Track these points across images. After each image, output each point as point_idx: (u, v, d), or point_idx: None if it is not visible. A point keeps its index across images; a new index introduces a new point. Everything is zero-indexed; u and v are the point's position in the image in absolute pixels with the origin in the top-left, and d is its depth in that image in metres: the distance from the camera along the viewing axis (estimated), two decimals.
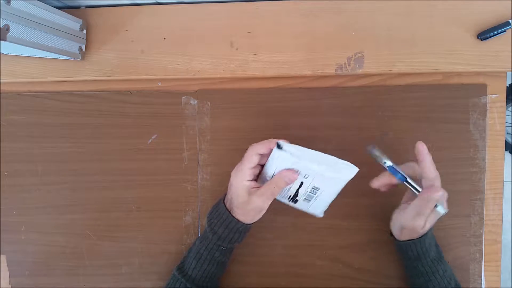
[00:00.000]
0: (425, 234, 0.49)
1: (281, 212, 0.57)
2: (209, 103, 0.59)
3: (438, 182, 0.47)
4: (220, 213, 0.50)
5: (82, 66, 0.59)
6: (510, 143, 1.39)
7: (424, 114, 0.57)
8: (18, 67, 0.59)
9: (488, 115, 0.57)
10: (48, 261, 0.61)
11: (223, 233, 0.50)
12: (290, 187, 0.51)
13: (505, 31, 0.53)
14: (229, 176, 0.53)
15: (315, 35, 0.56)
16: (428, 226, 0.47)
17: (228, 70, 0.57)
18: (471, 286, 0.56)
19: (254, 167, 0.48)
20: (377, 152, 0.48)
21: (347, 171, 0.47)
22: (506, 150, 1.32)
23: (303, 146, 0.47)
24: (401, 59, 0.55)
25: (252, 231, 0.56)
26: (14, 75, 0.60)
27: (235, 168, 0.50)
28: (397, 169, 0.48)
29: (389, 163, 0.47)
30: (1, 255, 0.61)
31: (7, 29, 0.43)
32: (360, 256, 0.57)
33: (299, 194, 0.52)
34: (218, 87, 0.60)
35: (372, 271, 0.57)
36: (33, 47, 0.48)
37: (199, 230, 0.59)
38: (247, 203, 0.48)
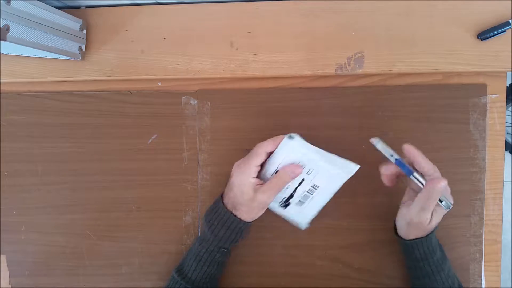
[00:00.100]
0: (432, 232, 0.49)
1: None
2: (209, 103, 0.59)
3: (438, 174, 0.46)
4: (220, 214, 0.50)
5: (82, 66, 0.59)
6: (510, 143, 1.39)
7: (424, 114, 0.57)
8: (18, 67, 0.59)
9: (488, 115, 0.57)
10: (48, 261, 0.61)
11: (225, 234, 0.50)
12: (288, 187, 0.52)
13: (505, 31, 0.53)
14: (228, 175, 0.53)
15: (315, 35, 0.56)
16: (434, 222, 0.47)
17: (228, 70, 0.57)
18: (471, 286, 0.56)
19: (259, 165, 0.49)
20: (383, 145, 0.47)
21: (348, 168, 0.50)
22: (506, 150, 1.32)
23: None
24: (401, 59, 0.55)
25: (252, 231, 0.56)
26: (14, 75, 0.60)
27: (238, 166, 0.50)
28: (404, 162, 0.47)
29: (396, 156, 0.47)
30: (1, 255, 0.61)
31: (7, 29, 0.43)
32: (360, 256, 0.57)
33: (295, 195, 0.52)
34: (218, 87, 0.60)
35: (372, 271, 0.57)
36: (33, 47, 0.48)
37: (199, 230, 0.59)
38: (253, 200, 0.48)
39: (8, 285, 0.61)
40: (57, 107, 0.61)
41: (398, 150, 0.56)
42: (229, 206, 0.50)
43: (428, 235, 0.48)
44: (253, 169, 0.48)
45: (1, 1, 0.42)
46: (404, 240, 0.50)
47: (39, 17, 0.48)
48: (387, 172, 0.48)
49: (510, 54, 0.54)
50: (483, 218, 0.57)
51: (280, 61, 0.57)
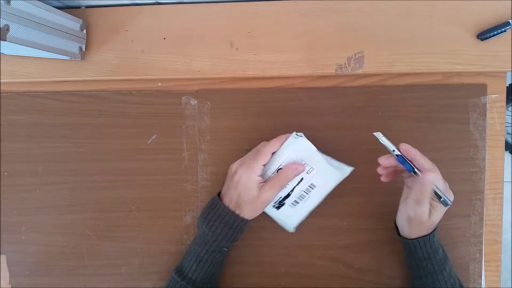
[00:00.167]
0: (434, 231, 0.49)
1: None
2: (209, 103, 0.59)
3: (436, 170, 0.46)
4: (220, 214, 0.50)
5: (82, 66, 0.59)
6: (510, 143, 1.39)
7: (424, 114, 0.57)
8: (18, 67, 0.59)
9: (488, 115, 0.57)
10: (48, 261, 0.61)
11: (227, 233, 0.50)
12: (287, 185, 0.53)
13: (505, 31, 0.53)
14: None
15: (315, 35, 0.56)
16: (435, 218, 0.47)
17: (228, 70, 0.57)
18: (471, 286, 0.56)
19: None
20: (386, 140, 0.47)
21: (343, 169, 0.53)
22: (506, 150, 1.32)
23: None
24: (401, 59, 0.55)
25: (252, 231, 0.56)
26: (14, 75, 0.60)
27: (241, 164, 0.50)
28: (405, 158, 0.47)
29: (398, 152, 0.47)
30: (1, 255, 0.61)
31: (7, 29, 0.43)
32: (360, 256, 0.57)
33: (292, 194, 0.53)
34: (218, 87, 0.60)
35: (373, 271, 0.57)
36: (33, 47, 0.48)
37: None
38: (258, 198, 0.49)
39: (8, 285, 0.61)
40: (57, 107, 0.61)
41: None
42: (232, 205, 0.50)
43: (430, 233, 0.48)
44: (259, 168, 0.49)
45: (1, 1, 0.42)
46: (407, 239, 0.50)
47: (39, 17, 0.48)
48: (385, 162, 0.48)
49: (510, 54, 0.54)
50: (483, 218, 0.57)
51: (280, 61, 0.57)
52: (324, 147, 0.55)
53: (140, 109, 0.60)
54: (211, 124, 0.59)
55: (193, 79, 0.59)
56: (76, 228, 0.60)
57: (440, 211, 0.47)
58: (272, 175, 0.52)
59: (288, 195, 0.53)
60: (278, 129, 0.58)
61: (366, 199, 0.57)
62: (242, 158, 0.52)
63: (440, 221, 0.52)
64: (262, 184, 0.50)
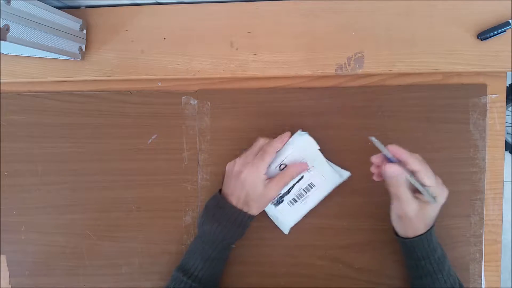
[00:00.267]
0: (431, 229, 0.49)
1: None
2: (209, 103, 0.59)
3: (426, 167, 0.46)
4: (228, 213, 0.51)
5: (82, 66, 0.59)
6: (510, 143, 1.39)
7: (424, 114, 0.57)
8: (18, 67, 0.59)
9: (488, 115, 0.57)
10: (48, 261, 0.61)
11: (236, 231, 0.52)
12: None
13: (505, 31, 0.53)
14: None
15: (315, 35, 0.56)
16: (427, 214, 0.47)
17: (228, 70, 0.57)
18: (471, 286, 0.56)
19: None
20: (379, 143, 0.47)
21: (341, 172, 0.55)
22: (506, 150, 1.32)
23: None
24: (401, 59, 0.55)
25: (252, 231, 0.56)
26: (14, 75, 0.60)
27: (246, 164, 0.51)
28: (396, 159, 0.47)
29: (391, 156, 0.47)
30: (1, 255, 0.61)
31: (7, 29, 0.43)
32: (360, 256, 0.57)
33: (292, 191, 0.54)
34: (218, 87, 0.60)
35: (373, 271, 0.57)
36: (33, 47, 0.48)
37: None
38: (264, 195, 0.51)
39: (8, 285, 0.61)
40: (57, 107, 0.61)
41: None
42: (240, 204, 0.51)
43: (427, 232, 0.48)
44: (265, 166, 0.51)
45: (1, 1, 0.42)
46: (404, 239, 0.50)
47: (39, 17, 0.48)
48: (377, 161, 0.48)
49: (510, 54, 0.54)
50: (483, 218, 0.57)
51: (280, 61, 0.57)
52: (324, 147, 0.55)
53: (140, 109, 0.60)
54: (211, 124, 0.59)
55: (193, 79, 0.59)
56: (76, 228, 0.60)
57: (432, 207, 0.47)
58: (275, 171, 0.53)
59: (288, 192, 0.54)
60: (278, 129, 0.58)
61: (366, 199, 0.57)
62: (242, 157, 0.53)
63: (440, 221, 0.52)
64: (267, 181, 0.51)
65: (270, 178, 0.52)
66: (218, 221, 0.51)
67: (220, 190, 0.54)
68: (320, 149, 0.54)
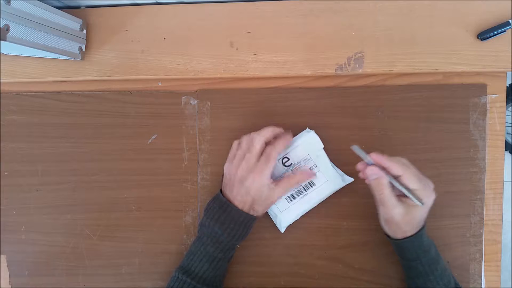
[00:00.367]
0: (420, 231, 0.49)
1: None
2: (209, 103, 0.59)
3: (408, 171, 0.46)
4: (234, 216, 0.51)
5: (82, 66, 0.59)
6: (510, 143, 1.39)
7: (424, 114, 0.57)
8: (18, 67, 0.59)
9: (488, 115, 0.57)
10: (48, 261, 0.61)
11: (242, 233, 0.52)
12: None
13: (505, 31, 0.53)
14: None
15: (315, 35, 0.56)
16: (414, 216, 0.47)
17: (228, 70, 0.57)
18: (471, 286, 0.56)
19: None
20: (361, 151, 0.48)
21: (344, 177, 0.56)
22: (506, 150, 1.32)
23: None
24: (401, 59, 0.55)
25: (252, 231, 0.56)
26: (14, 75, 0.60)
27: (251, 170, 0.50)
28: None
29: (374, 163, 0.48)
30: (1, 255, 0.61)
31: (7, 29, 0.43)
32: (360, 256, 0.57)
33: None
34: (218, 87, 0.60)
35: (372, 271, 0.57)
36: (33, 47, 0.48)
37: (198, 224, 0.59)
38: (269, 198, 0.51)
39: (8, 285, 0.61)
40: (57, 107, 0.61)
41: (398, 150, 0.57)
42: (246, 208, 0.51)
43: (416, 233, 0.49)
44: (270, 172, 0.51)
45: (1, 1, 0.42)
46: (394, 240, 0.51)
47: (39, 17, 0.48)
48: (362, 167, 0.49)
49: (510, 54, 0.54)
50: (483, 218, 0.57)
51: (280, 61, 0.57)
52: (324, 147, 0.55)
53: (140, 109, 0.60)
54: (211, 124, 0.59)
55: (193, 79, 0.59)
56: (76, 228, 0.60)
57: (419, 210, 0.47)
58: (278, 164, 0.54)
59: None
60: None
61: (366, 199, 0.57)
62: (244, 160, 0.51)
63: (440, 221, 0.52)
64: (273, 184, 0.51)
65: (275, 180, 0.52)
66: (224, 224, 0.51)
67: (221, 191, 0.54)
68: (324, 148, 0.55)
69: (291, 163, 0.55)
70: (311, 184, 0.54)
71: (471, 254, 0.57)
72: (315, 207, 0.56)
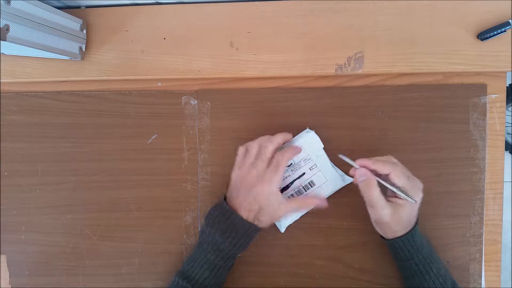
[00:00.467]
0: (412, 230, 0.49)
1: None
2: (209, 103, 0.59)
3: (396, 171, 0.47)
4: (237, 226, 0.50)
5: (82, 66, 0.59)
6: (510, 143, 1.39)
7: (424, 114, 0.57)
8: (18, 67, 0.59)
9: (488, 115, 0.57)
10: (48, 261, 0.61)
11: (244, 242, 0.51)
12: (286, 177, 0.55)
13: (505, 31, 0.53)
14: (229, 176, 0.53)
15: (315, 35, 0.56)
16: (402, 215, 0.47)
17: (228, 70, 0.57)
18: (471, 286, 0.56)
19: None
20: (348, 159, 0.50)
21: (344, 177, 0.56)
22: (506, 150, 1.32)
23: None
24: (401, 59, 0.55)
25: None
26: (14, 75, 0.60)
27: (257, 175, 0.50)
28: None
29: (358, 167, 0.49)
30: (1, 255, 0.61)
31: (7, 29, 0.43)
32: (360, 256, 0.57)
33: (291, 186, 0.55)
34: (218, 87, 0.60)
35: (372, 271, 0.57)
36: (33, 47, 0.48)
37: (199, 230, 0.59)
38: (275, 212, 0.51)
39: (8, 285, 0.61)
40: (57, 107, 0.61)
41: (398, 150, 0.57)
42: (250, 218, 0.50)
43: (407, 233, 0.49)
44: (280, 181, 0.50)
45: (1, 1, 0.42)
46: (387, 240, 0.51)
47: (39, 17, 0.48)
48: (353, 172, 0.50)
49: (510, 54, 0.54)
50: (483, 218, 0.57)
51: (280, 61, 0.57)
52: (324, 147, 0.55)
53: (140, 109, 0.60)
54: (211, 124, 0.59)
55: (193, 79, 0.59)
56: (76, 228, 0.60)
57: (406, 209, 0.47)
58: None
59: (287, 187, 0.55)
60: (278, 129, 0.58)
61: None
62: (253, 166, 0.50)
63: (440, 221, 0.52)
64: (283, 200, 0.51)
65: (287, 199, 0.52)
66: (225, 232, 0.50)
67: (225, 198, 0.53)
68: (324, 148, 0.55)
69: (291, 163, 0.55)
70: (311, 184, 0.54)
71: (471, 254, 0.57)
72: (315, 207, 0.56)
